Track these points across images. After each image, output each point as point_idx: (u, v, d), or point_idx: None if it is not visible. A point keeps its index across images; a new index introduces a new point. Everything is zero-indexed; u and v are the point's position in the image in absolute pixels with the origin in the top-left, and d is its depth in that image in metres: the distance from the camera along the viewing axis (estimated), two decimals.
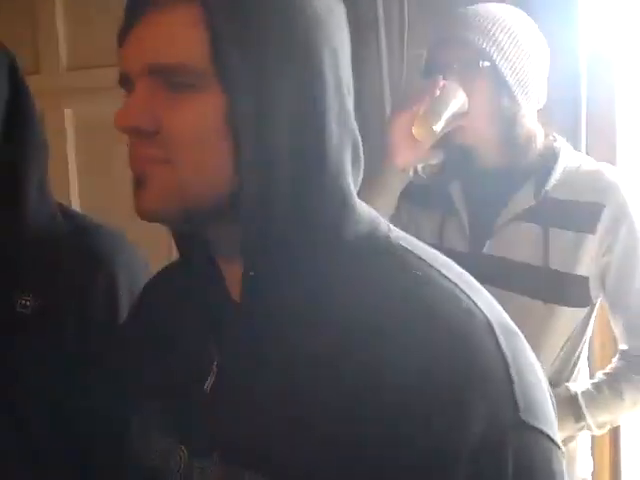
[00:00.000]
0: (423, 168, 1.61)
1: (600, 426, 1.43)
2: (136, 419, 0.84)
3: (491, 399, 0.65)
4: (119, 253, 1.11)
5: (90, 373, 1.03)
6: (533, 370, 0.70)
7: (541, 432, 0.67)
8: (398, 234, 0.78)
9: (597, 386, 1.43)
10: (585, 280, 1.40)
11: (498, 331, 0.69)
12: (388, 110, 2.05)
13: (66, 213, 1.15)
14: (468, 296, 0.71)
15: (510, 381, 0.66)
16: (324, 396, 0.68)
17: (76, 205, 2.57)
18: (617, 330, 1.46)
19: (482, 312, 0.69)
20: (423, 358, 0.66)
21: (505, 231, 1.43)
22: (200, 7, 0.69)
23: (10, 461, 1.03)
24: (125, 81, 0.74)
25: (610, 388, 1.42)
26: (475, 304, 0.70)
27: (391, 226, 0.79)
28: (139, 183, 0.72)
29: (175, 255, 0.85)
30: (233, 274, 0.78)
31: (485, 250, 1.43)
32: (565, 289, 1.39)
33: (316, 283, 0.73)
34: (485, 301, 0.72)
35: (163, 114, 0.70)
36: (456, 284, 0.71)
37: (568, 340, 1.42)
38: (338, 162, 0.73)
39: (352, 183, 0.75)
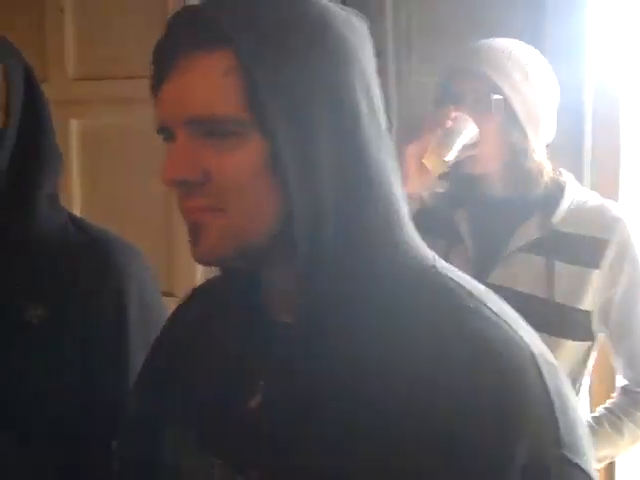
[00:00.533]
0: (429, 195, 1.62)
1: (599, 460, 1.43)
2: (169, 432, 0.83)
3: (536, 434, 0.66)
4: (129, 265, 1.10)
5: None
6: (573, 404, 0.71)
7: (581, 469, 0.68)
8: (443, 264, 0.78)
9: (598, 420, 1.43)
10: (588, 314, 1.40)
11: (542, 365, 0.69)
12: (394, 136, 2.07)
13: (77, 224, 1.14)
14: (514, 330, 0.71)
15: (554, 417, 0.67)
16: (371, 421, 0.68)
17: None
18: (618, 364, 1.47)
19: (528, 346, 0.70)
20: (470, 390, 0.66)
21: (510, 262, 1.43)
22: (233, 52, 0.69)
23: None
24: (163, 129, 0.74)
25: (610, 423, 1.42)
26: (521, 338, 0.71)
27: (436, 256, 0.79)
28: (194, 233, 0.74)
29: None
30: (277, 296, 0.79)
31: (489, 280, 1.43)
32: (570, 323, 1.40)
33: (365, 310, 0.72)
34: (529, 334, 0.73)
35: (209, 163, 0.71)
36: (501, 316, 0.72)
37: (570, 373, 1.42)
38: (382, 185, 0.73)
39: (402, 205, 0.75)
